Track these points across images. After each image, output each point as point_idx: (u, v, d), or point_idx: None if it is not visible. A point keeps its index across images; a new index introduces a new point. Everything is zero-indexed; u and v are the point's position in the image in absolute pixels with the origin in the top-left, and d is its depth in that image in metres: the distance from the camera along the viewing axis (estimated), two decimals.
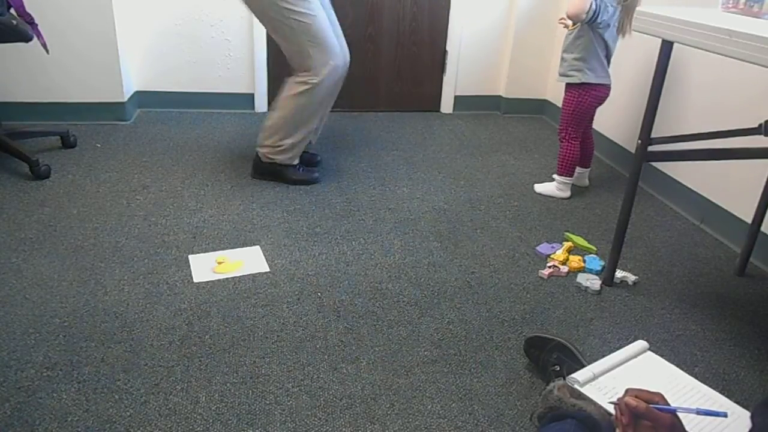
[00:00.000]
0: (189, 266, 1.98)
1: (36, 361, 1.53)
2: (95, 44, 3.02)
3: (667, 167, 2.65)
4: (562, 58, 2.55)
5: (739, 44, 1.36)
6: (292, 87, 2.44)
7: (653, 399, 0.85)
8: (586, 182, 2.77)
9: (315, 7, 2.32)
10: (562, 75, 2.57)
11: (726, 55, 1.40)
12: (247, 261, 2.02)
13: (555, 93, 3.68)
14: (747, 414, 0.91)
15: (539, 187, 2.70)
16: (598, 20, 2.36)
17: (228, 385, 1.50)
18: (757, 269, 2.16)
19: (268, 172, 2.61)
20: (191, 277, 1.92)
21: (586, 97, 2.50)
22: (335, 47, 2.41)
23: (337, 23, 2.51)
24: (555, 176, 2.67)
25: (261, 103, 3.51)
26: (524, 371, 1.61)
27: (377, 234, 2.26)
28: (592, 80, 2.47)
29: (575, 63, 2.47)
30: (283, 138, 2.50)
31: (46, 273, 1.89)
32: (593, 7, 2.32)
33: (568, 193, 2.67)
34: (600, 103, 2.56)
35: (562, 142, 2.62)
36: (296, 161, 2.61)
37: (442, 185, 2.71)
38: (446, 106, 3.77)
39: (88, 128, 3.07)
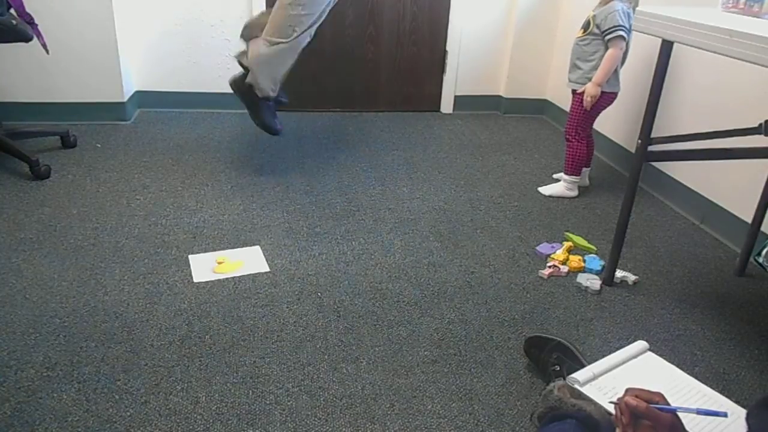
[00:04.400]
0: (189, 266, 1.98)
1: (36, 361, 1.53)
2: (95, 44, 3.02)
3: (667, 167, 2.65)
4: (576, 66, 2.52)
5: (740, 44, 1.36)
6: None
7: (653, 399, 0.85)
8: (587, 181, 2.77)
9: None
10: (574, 82, 2.54)
11: (726, 55, 1.40)
12: (247, 261, 2.02)
13: (555, 93, 3.68)
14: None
15: (546, 190, 2.69)
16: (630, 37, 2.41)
17: (228, 385, 1.50)
18: (757, 269, 2.16)
19: (245, 93, 2.56)
20: (191, 277, 1.92)
21: (597, 103, 2.49)
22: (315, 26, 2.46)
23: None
24: (564, 176, 2.67)
25: None
26: (524, 371, 1.61)
27: (377, 234, 2.26)
28: (605, 89, 2.47)
29: (593, 74, 2.45)
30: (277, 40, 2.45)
31: (46, 273, 1.89)
32: (627, 39, 2.39)
33: (576, 192, 2.67)
34: (609, 105, 2.56)
35: (570, 142, 2.61)
36: (270, 95, 2.56)
37: (442, 185, 2.71)
38: (446, 106, 3.77)
39: (88, 128, 3.07)
